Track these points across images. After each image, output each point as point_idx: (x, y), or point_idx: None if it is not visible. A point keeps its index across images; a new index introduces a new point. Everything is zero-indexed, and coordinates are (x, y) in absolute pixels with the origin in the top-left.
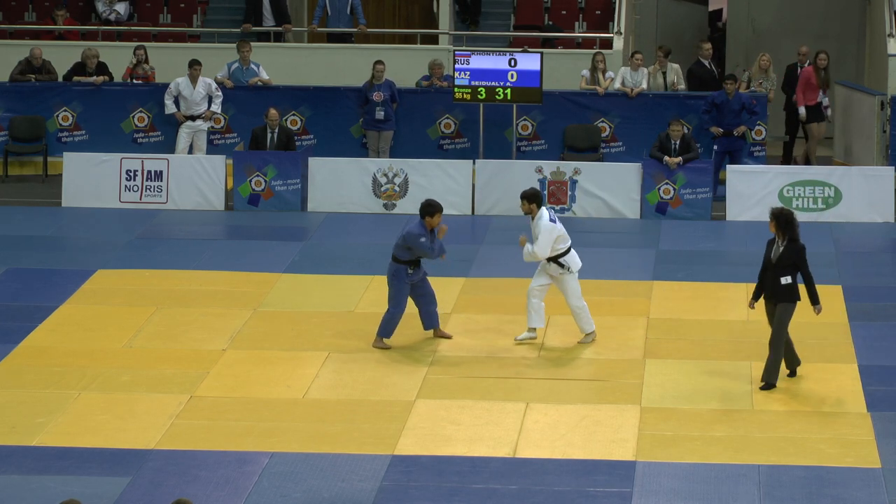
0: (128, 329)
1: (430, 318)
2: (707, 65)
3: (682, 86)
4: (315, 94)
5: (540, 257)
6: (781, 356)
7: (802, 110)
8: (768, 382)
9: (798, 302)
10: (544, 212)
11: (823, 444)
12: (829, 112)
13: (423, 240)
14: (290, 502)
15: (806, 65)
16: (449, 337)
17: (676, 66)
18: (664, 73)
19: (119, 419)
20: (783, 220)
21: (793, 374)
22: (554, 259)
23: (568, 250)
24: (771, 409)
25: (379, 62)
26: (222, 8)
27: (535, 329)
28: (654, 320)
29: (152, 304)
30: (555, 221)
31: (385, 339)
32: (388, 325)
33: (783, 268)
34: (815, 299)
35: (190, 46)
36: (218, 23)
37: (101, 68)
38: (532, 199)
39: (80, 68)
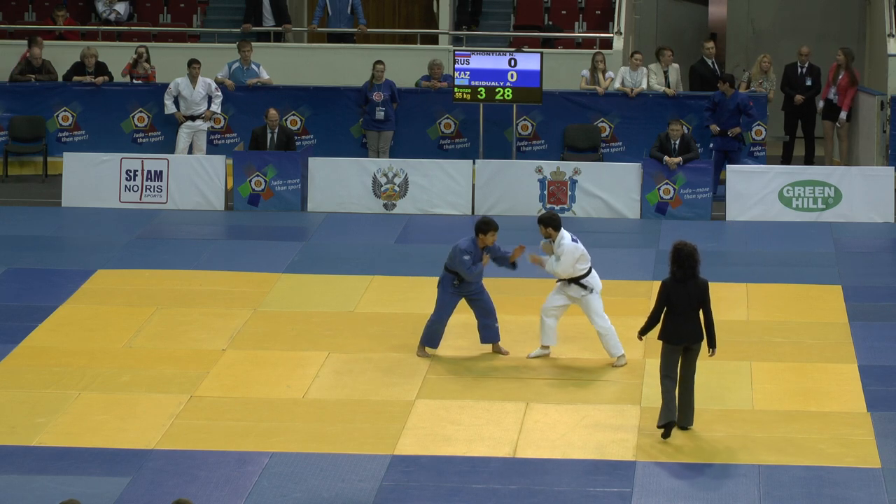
0: (128, 329)
1: (486, 332)
2: (710, 64)
3: (679, 87)
4: (315, 94)
5: (560, 275)
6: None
7: (821, 104)
8: (672, 422)
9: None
10: (565, 233)
11: (823, 444)
12: (842, 115)
13: (466, 257)
14: (290, 502)
15: (806, 65)
16: (505, 353)
17: (676, 65)
18: (665, 73)
19: (119, 419)
20: (672, 254)
21: (683, 427)
22: (576, 280)
23: (589, 271)
24: (771, 409)
25: (379, 62)
26: (222, 8)
27: (548, 347)
28: None
29: (152, 304)
30: (576, 241)
31: (428, 349)
32: (429, 334)
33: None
34: (642, 331)
35: (190, 46)
36: (218, 23)
37: (101, 68)
38: (548, 223)
39: (79, 68)
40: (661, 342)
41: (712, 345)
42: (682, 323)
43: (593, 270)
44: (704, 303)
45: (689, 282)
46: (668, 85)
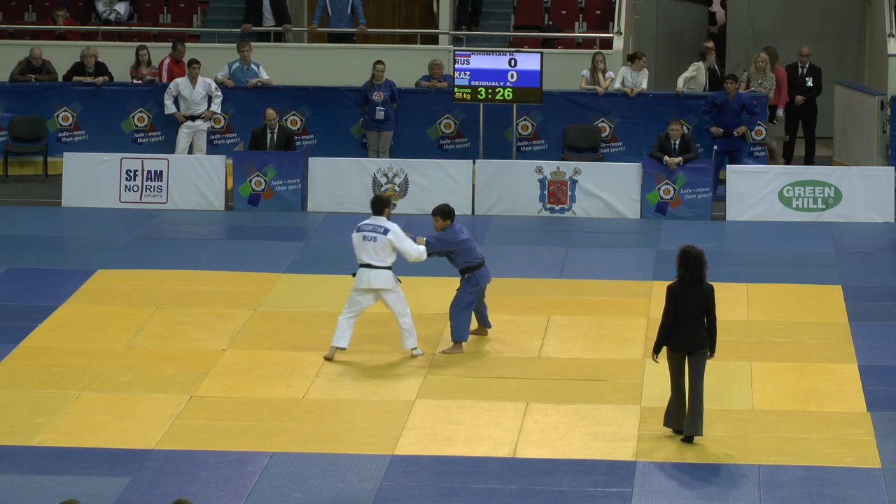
0: (128, 329)
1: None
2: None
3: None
4: (315, 94)
5: None
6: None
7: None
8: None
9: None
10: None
11: (823, 444)
12: (779, 112)
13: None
14: (290, 502)
15: (807, 65)
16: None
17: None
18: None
19: (119, 419)
20: (680, 257)
21: (692, 437)
22: None
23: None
24: (771, 409)
25: (379, 62)
26: (222, 8)
27: (337, 348)
28: (653, 320)
29: (152, 304)
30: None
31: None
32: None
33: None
34: (656, 348)
35: (190, 46)
36: (218, 23)
37: (101, 68)
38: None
39: (79, 68)
40: (665, 348)
41: (712, 350)
42: (685, 328)
43: (360, 269)
44: (710, 308)
45: (695, 286)
46: (706, 87)
